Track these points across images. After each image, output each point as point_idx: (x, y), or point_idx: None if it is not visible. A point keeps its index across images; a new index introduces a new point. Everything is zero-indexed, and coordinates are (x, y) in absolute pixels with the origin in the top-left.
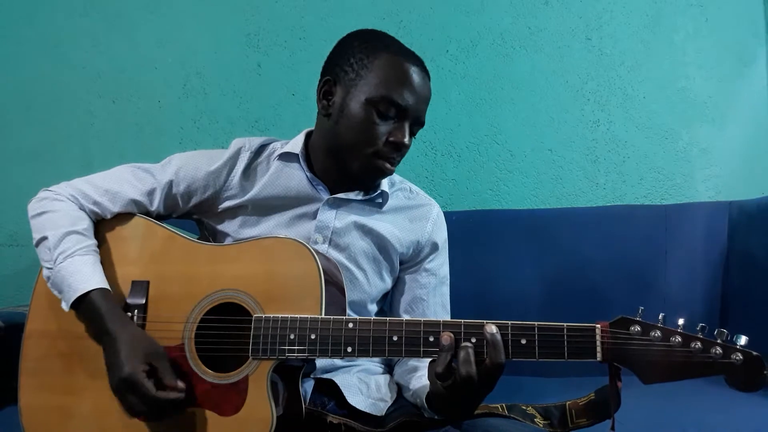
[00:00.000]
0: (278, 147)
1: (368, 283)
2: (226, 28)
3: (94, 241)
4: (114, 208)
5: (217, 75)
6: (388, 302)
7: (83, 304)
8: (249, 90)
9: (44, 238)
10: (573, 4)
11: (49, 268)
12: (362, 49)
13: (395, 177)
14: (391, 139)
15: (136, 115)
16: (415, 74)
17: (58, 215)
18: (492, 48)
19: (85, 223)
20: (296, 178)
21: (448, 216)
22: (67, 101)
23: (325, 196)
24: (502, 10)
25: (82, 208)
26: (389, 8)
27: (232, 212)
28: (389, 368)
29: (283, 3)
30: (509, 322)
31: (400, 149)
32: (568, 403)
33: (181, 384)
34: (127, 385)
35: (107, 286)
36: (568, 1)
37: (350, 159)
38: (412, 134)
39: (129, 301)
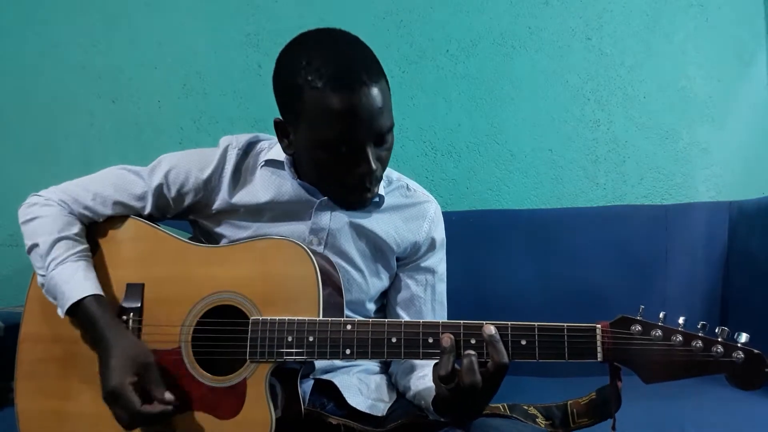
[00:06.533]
0: (265, 147)
1: (366, 283)
2: (226, 28)
3: (86, 245)
4: (105, 211)
5: (217, 75)
6: (386, 299)
7: (78, 312)
8: (249, 90)
9: (35, 245)
10: (573, 4)
11: (42, 275)
12: (290, 85)
13: (392, 175)
14: (357, 171)
15: (135, 115)
16: (344, 101)
17: (48, 220)
18: (492, 48)
19: (76, 228)
20: (286, 184)
21: (448, 216)
22: (67, 101)
23: (319, 197)
24: (502, 10)
25: (72, 212)
26: (389, 8)
27: (226, 214)
28: (387, 368)
29: (283, 3)
30: (509, 323)
31: (371, 174)
32: (569, 402)
33: (169, 396)
34: (114, 397)
35: (100, 292)
36: (568, 1)
37: (325, 192)
38: (383, 143)
39: (124, 304)
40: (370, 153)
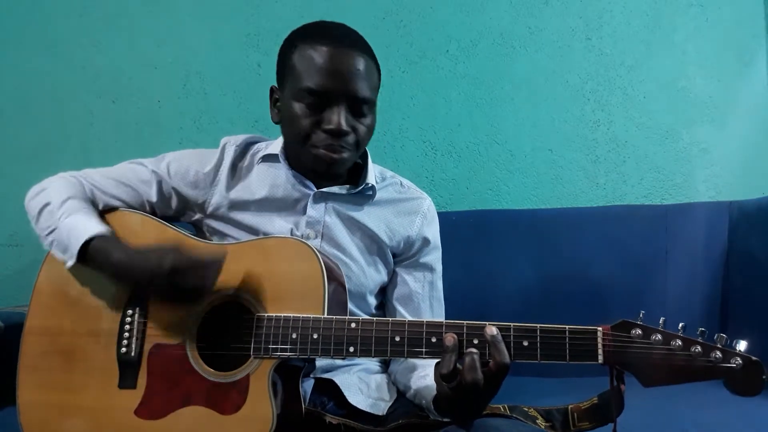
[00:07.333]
0: (263, 147)
1: (364, 275)
2: (226, 28)
3: (96, 209)
4: (112, 190)
5: (217, 75)
6: (384, 296)
7: (91, 250)
8: (249, 90)
9: (47, 204)
10: (573, 4)
11: (52, 230)
12: (286, 48)
13: (387, 172)
14: (324, 127)
15: (135, 115)
16: (327, 55)
17: (60, 186)
18: (492, 48)
19: (86, 197)
20: (281, 176)
21: (448, 216)
22: (67, 101)
23: (312, 191)
24: (502, 10)
25: (81, 185)
26: (389, 8)
27: (224, 211)
28: (388, 367)
29: (283, 3)
30: (511, 324)
31: (338, 135)
32: (570, 406)
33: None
34: (174, 271)
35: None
36: (568, 1)
37: (298, 157)
38: (358, 114)
39: (129, 299)
40: (342, 111)
